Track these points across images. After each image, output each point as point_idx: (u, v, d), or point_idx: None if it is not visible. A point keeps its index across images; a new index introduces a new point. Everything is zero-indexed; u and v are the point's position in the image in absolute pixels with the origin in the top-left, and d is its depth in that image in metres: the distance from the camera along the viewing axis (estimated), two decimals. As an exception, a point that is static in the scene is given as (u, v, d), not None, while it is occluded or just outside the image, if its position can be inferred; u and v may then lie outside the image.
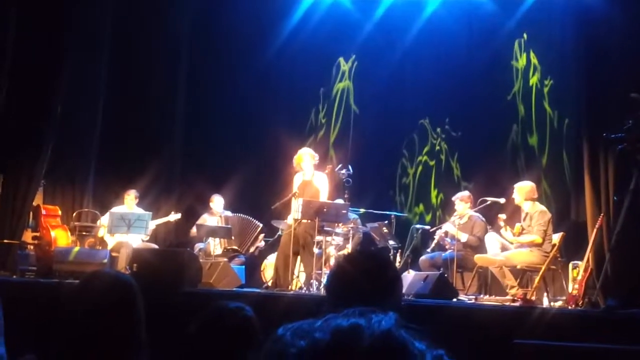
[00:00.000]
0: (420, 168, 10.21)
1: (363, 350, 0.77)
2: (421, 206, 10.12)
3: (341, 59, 10.56)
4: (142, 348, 2.02)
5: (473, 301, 6.91)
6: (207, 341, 2.45)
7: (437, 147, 10.15)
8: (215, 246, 8.98)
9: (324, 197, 7.57)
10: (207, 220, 9.15)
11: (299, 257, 7.55)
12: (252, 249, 9.25)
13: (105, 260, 7.52)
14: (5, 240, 7.84)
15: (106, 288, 2.04)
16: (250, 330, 2.49)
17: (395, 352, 0.78)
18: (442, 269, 7.56)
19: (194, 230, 9.04)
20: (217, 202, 9.24)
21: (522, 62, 9.74)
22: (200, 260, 7.55)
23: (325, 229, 7.69)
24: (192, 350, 2.48)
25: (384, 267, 2.05)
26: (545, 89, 9.55)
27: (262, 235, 9.27)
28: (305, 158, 7.61)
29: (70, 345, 1.96)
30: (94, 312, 1.97)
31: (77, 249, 7.82)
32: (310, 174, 7.64)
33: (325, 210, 7.33)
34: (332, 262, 7.88)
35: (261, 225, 9.18)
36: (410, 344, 0.79)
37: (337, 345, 0.78)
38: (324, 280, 7.21)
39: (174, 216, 9.18)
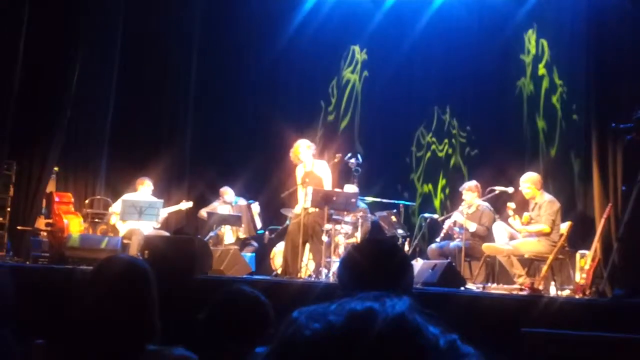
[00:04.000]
0: (428, 155, 10.21)
1: (377, 333, 0.77)
2: (430, 185, 10.13)
3: (356, 48, 10.54)
4: (155, 333, 2.03)
5: (481, 290, 6.93)
6: (221, 324, 2.48)
7: (446, 137, 10.15)
8: (227, 235, 9.02)
9: (327, 184, 7.60)
10: (219, 208, 9.17)
11: (308, 245, 7.59)
12: (259, 225, 9.19)
13: (118, 247, 7.60)
14: (19, 227, 7.93)
15: (120, 273, 2.06)
16: (264, 313, 2.52)
17: (409, 335, 0.78)
18: (450, 257, 7.58)
19: (203, 213, 9.05)
20: (229, 194, 9.25)
21: (531, 52, 9.70)
22: (211, 247, 7.61)
23: (334, 217, 7.73)
24: (206, 333, 2.52)
25: (392, 254, 2.07)
26: (555, 79, 9.51)
27: (254, 205, 9.18)
28: (301, 150, 7.64)
29: (83, 330, 1.99)
30: (108, 297, 1.99)
31: (75, 235, 7.85)
32: (311, 164, 7.68)
33: (334, 198, 7.36)
34: (340, 250, 7.92)
35: (247, 202, 9.13)
36: (424, 328, 0.79)
37: (351, 328, 0.78)
38: (333, 268, 7.26)
39: (186, 204, 9.19)
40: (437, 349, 0.79)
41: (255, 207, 9.15)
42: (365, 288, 0.89)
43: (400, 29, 10.25)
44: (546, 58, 9.59)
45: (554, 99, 9.46)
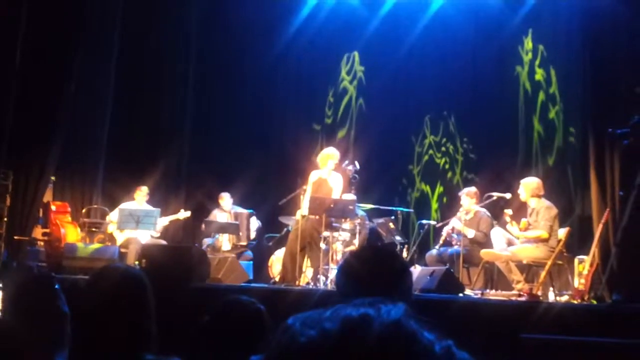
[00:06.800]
0: (425, 158, 10.22)
1: (372, 339, 0.77)
2: (428, 187, 10.15)
3: (354, 55, 10.57)
4: (152, 342, 2.02)
5: (479, 296, 6.93)
6: (218, 333, 2.48)
7: (443, 143, 10.16)
8: (224, 242, 9.02)
9: (336, 195, 7.63)
10: (218, 216, 9.18)
11: (306, 253, 7.59)
12: (252, 236, 9.23)
13: (115, 257, 7.59)
14: (16, 237, 7.90)
15: (117, 282, 2.06)
16: (261, 323, 2.52)
17: (404, 341, 0.78)
18: (448, 264, 7.58)
19: (204, 227, 9.07)
20: (226, 200, 9.26)
21: (527, 57, 9.73)
22: (209, 255, 7.60)
23: (333, 224, 7.73)
24: (204, 342, 2.52)
25: (390, 261, 2.06)
26: (551, 84, 9.54)
27: (253, 219, 9.23)
28: (334, 158, 7.70)
29: (81, 338, 1.99)
30: (104, 306, 1.99)
31: (82, 245, 7.88)
32: (328, 173, 7.71)
33: (332, 206, 7.37)
34: (339, 257, 7.91)
35: (247, 211, 9.18)
36: (420, 333, 0.79)
37: (346, 335, 0.78)
38: (330, 275, 7.25)
39: (184, 214, 9.18)
40: (433, 354, 0.79)
41: (254, 222, 9.19)
42: (363, 295, 0.88)
43: (396, 35, 10.28)
44: (543, 63, 9.62)
45: (552, 113, 9.47)
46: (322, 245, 7.54)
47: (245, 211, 9.25)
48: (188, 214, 9.22)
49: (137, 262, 7.37)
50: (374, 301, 0.83)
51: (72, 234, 8.35)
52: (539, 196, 7.37)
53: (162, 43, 10.10)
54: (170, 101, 10.27)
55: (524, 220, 7.36)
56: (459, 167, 10.07)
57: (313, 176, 7.80)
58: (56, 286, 2.22)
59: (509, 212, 7.47)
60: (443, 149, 10.16)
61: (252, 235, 9.27)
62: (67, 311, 2.18)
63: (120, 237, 8.67)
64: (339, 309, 0.82)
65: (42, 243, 8.40)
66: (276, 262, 8.70)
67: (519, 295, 6.77)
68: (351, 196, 7.95)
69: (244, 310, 2.55)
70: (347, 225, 8.05)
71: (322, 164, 7.74)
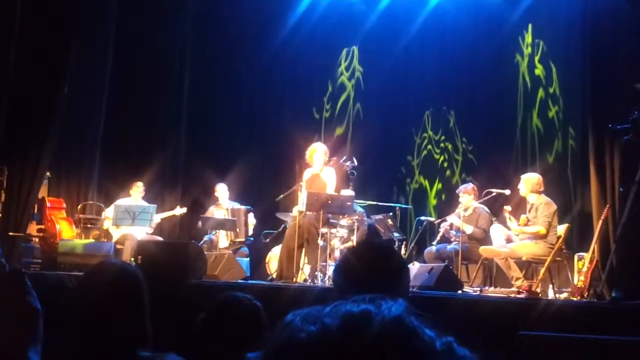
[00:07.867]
0: (424, 153, 10.20)
1: (373, 335, 0.77)
2: (427, 182, 10.12)
3: (353, 49, 10.53)
4: (147, 339, 2.02)
5: (478, 293, 6.91)
6: (215, 330, 2.46)
7: (442, 140, 10.14)
8: (221, 239, 9.00)
9: (330, 190, 7.64)
10: (215, 212, 9.14)
11: (303, 249, 7.57)
12: (250, 232, 9.21)
13: (110, 253, 7.56)
14: (10, 233, 7.86)
15: (112, 279, 2.06)
16: (258, 319, 2.50)
17: (404, 338, 0.78)
18: (447, 260, 7.56)
19: (200, 224, 9.05)
20: (222, 191, 9.21)
21: (527, 53, 9.71)
22: (205, 252, 7.57)
23: (331, 221, 7.72)
24: (200, 339, 2.50)
25: (387, 257, 2.06)
26: (552, 82, 9.51)
27: (251, 215, 9.21)
28: (318, 151, 7.71)
29: (76, 336, 1.98)
30: (100, 303, 1.98)
31: (78, 242, 7.86)
32: (319, 168, 7.72)
33: (330, 202, 7.35)
34: (336, 254, 7.89)
35: (245, 207, 9.15)
36: (420, 330, 0.79)
37: (347, 331, 0.78)
38: (328, 272, 7.23)
39: (180, 210, 9.18)
40: (433, 351, 0.79)
41: (251, 219, 9.17)
42: (361, 292, 0.88)
43: (395, 30, 10.26)
44: (543, 58, 9.59)
45: (552, 112, 9.45)
46: (320, 242, 7.52)
47: (242, 207, 9.22)
48: (184, 210, 9.23)
49: (132, 259, 7.34)
50: (374, 297, 0.83)
51: (67, 230, 8.32)
52: (538, 192, 7.37)
53: (158, 38, 10.06)
54: (166, 97, 10.24)
55: (523, 217, 7.35)
56: (458, 167, 10.03)
57: (306, 174, 7.87)
58: (27, 282, 2.20)
59: (508, 208, 7.47)
60: (442, 145, 10.13)
61: (250, 231, 9.24)
62: (39, 307, 2.16)
63: (116, 234, 8.65)
64: (340, 305, 0.82)
65: (37, 239, 8.37)
66: (273, 259, 8.67)
67: (518, 292, 6.76)
68: (349, 192, 7.94)
69: (241, 307, 2.53)
70: (345, 221, 8.03)
71: (309, 160, 7.76)
